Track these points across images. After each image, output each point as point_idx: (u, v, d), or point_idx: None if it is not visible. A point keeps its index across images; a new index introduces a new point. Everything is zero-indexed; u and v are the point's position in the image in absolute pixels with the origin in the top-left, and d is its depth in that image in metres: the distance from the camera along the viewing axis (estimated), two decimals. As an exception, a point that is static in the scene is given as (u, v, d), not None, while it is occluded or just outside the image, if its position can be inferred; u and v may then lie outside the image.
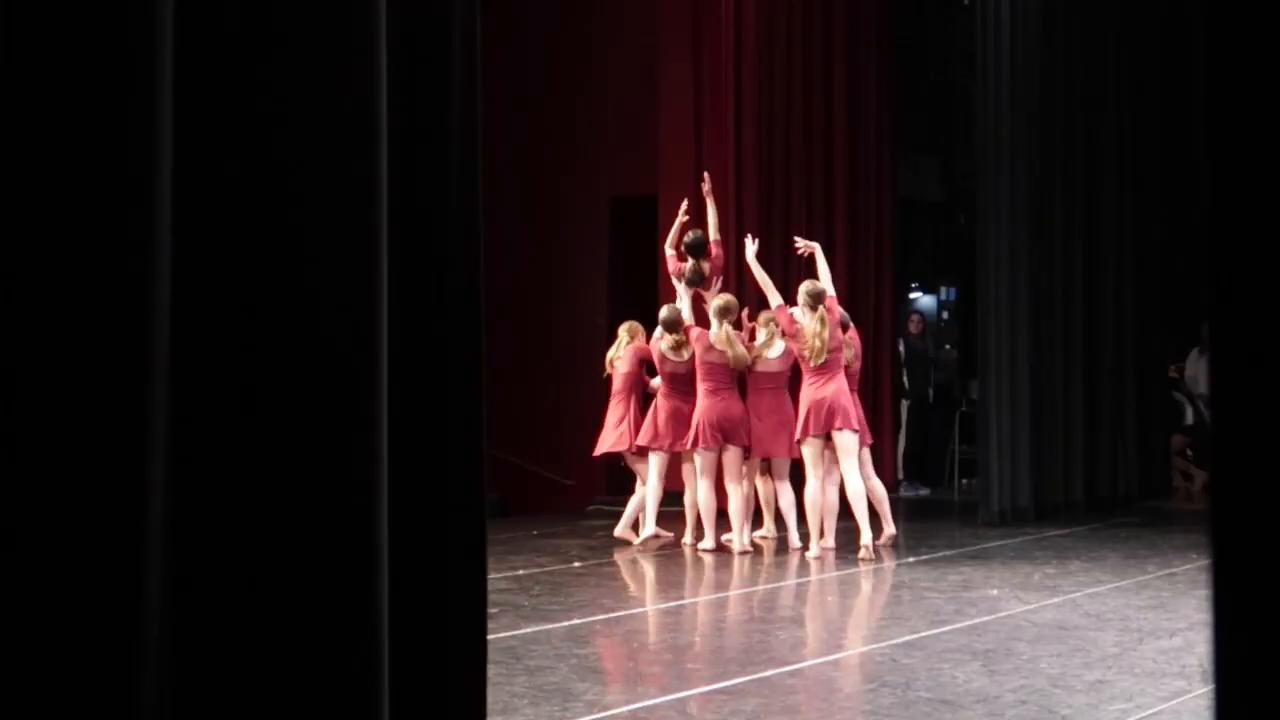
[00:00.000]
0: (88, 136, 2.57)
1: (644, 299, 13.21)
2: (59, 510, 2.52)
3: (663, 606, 8.73)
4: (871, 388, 14.09)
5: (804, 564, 10.08)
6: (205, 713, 2.82)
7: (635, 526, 10.87)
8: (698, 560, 10.29)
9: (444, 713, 3.28)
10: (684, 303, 10.89)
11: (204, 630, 2.82)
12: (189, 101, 2.79)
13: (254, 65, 2.94)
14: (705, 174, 11.60)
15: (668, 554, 10.57)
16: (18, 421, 2.50)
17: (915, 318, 16.11)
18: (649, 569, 9.97)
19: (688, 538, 10.75)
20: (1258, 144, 1.79)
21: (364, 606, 2.98)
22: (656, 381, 10.97)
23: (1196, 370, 15.75)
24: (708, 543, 10.48)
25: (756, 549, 10.63)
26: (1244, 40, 1.79)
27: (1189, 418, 15.69)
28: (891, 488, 14.62)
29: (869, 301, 14.37)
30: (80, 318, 2.55)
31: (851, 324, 10.86)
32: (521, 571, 9.79)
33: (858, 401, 10.48)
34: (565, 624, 8.13)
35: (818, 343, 10.02)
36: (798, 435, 10.14)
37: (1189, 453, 15.78)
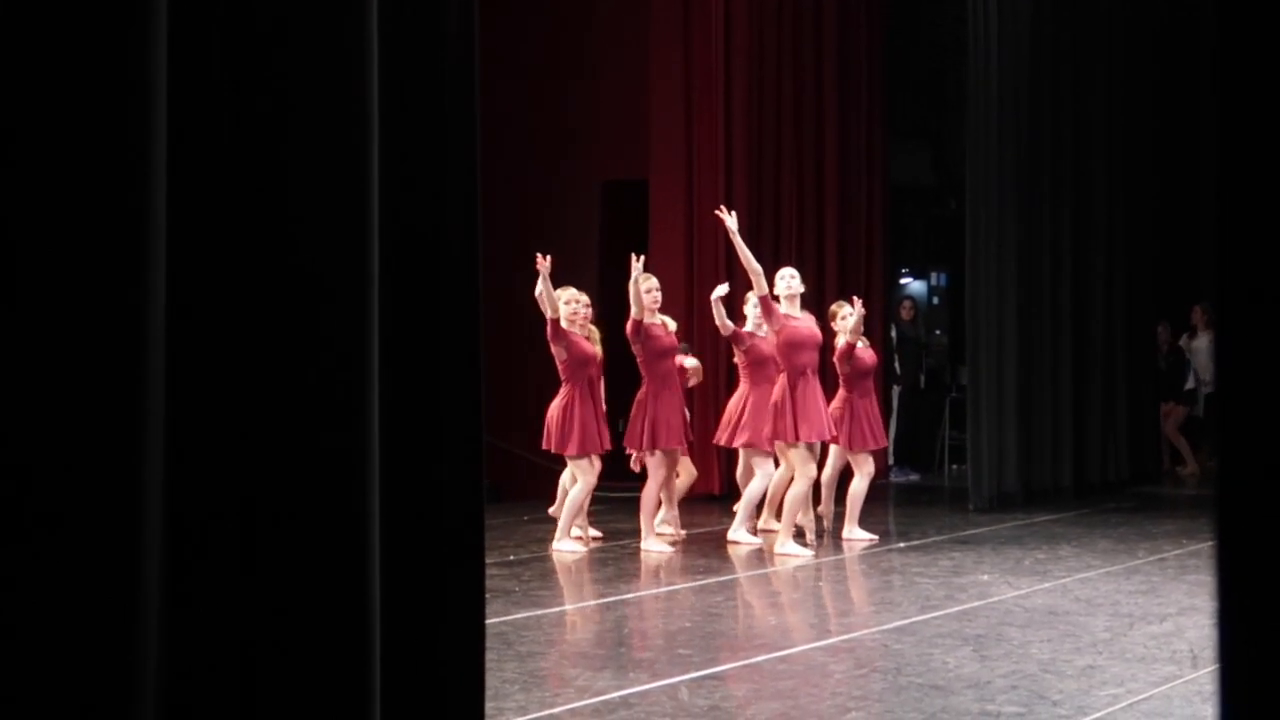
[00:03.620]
0: (81, 137, 2.55)
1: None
2: (55, 507, 2.51)
3: (654, 592, 8.73)
4: (862, 373, 14.09)
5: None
6: (200, 696, 2.82)
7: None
8: (689, 547, 10.29)
9: (442, 698, 3.28)
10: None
11: (200, 615, 2.81)
12: (182, 83, 2.78)
13: (241, 45, 2.93)
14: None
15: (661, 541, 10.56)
16: (14, 417, 2.49)
17: (907, 303, 16.11)
18: (641, 555, 9.97)
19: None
20: (1267, 131, 1.79)
21: (356, 593, 2.98)
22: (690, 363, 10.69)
23: (1189, 352, 15.77)
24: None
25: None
26: (1254, 23, 1.79)
27: (1190, 382, 15.66)
28: (882, 473, 14.64)
29: (860, 287, 14.37)
30: (76, 311, 2.54)
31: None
32: (513, 557, 9.80)
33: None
34: (556, 609, 8.14)
35: None
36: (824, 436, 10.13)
37: (1180, 438, 15.79)
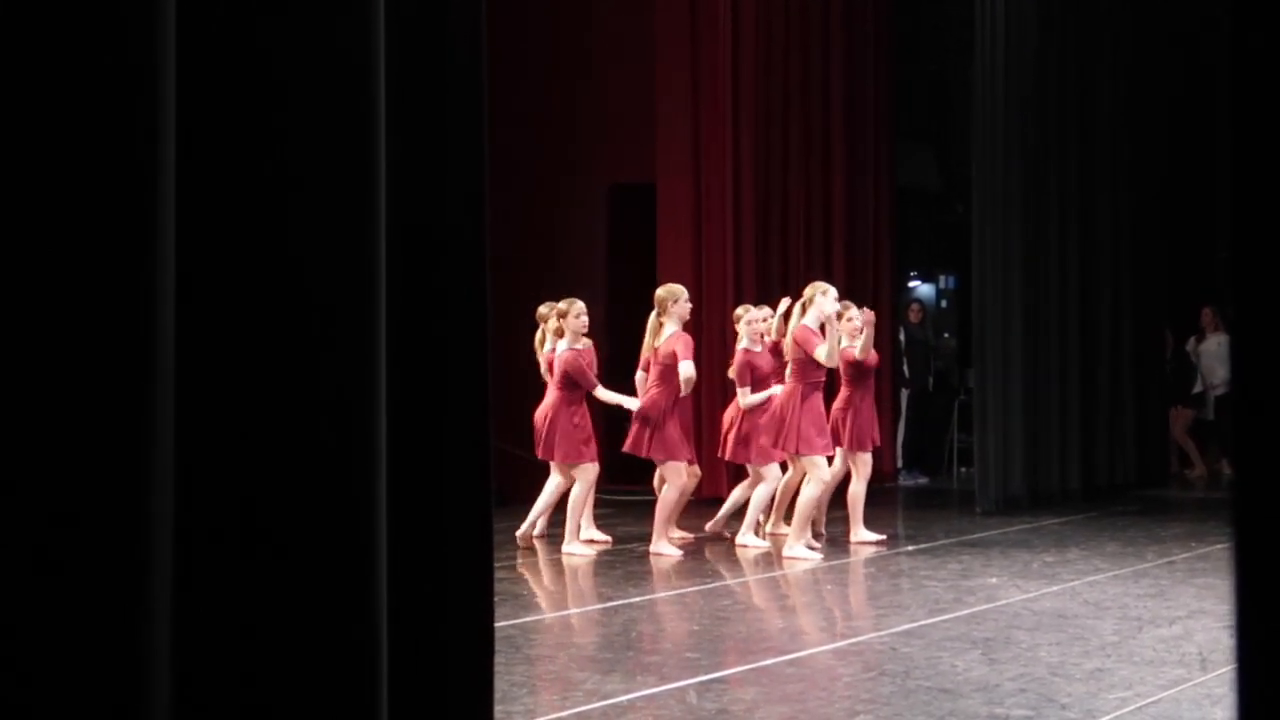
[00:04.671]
0: (91, 135, 2.55)
1: (642, 287, 13.20)
2: (62, 506, 2.51)
3: (662, 595, 8.72)
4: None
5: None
6: (207, 698, 2.82)
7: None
8: (697, 550, 10.28)
9: (450, 701, 3.28)
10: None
11: (205, 618, 2.81)
12: (189, 83, 2.78)
13: (246, 47, 2.93)
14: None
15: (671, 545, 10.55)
16: (22, 421, 2.49)
17: (915, 306, 16.10)
18: (648, 559, 9.96)
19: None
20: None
21: (363, 597, 2.98)
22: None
23: (1197, 355, 15.78)
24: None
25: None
26: (1271, 23, 1.78)
27: (1198, 385, 15.66)
28: (890, 476, 14.63)
29: (868, 290, 14.36)
30: (84, 313, 2.54)
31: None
32: (520, 560, 9.80)
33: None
34: (564, 613, 8.14)
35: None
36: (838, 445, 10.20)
37: (1189, 441, 15.78)
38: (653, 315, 10.21)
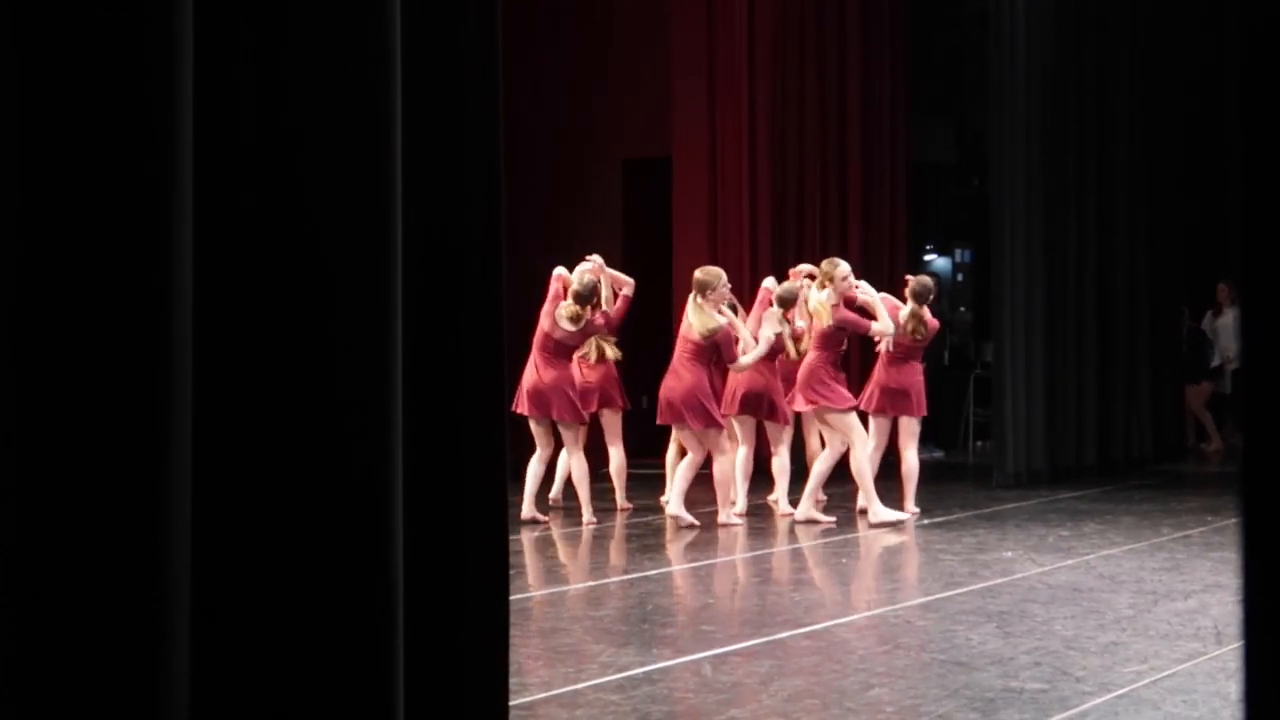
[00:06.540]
0: (107, 139, 2.56)
1: (658, 262, 13.19)
2: (81, 515, 2.52)
3: (677, 569, 8.75)
4: (886, 350, 14.07)
5: (819, 527, 10.07)
6: (222, 676, 2.84)
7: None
8: (710, 524, 10.30)
9: (466, 674, 3.29)
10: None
11: (222, 600, 2.82)
12: (206, 78, 2.78)
13: (265, 31, 2.93)
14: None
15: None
16: (38, 426, 2.51)
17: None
18: (662, 532, 9.99)
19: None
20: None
21: (379, 572, 2.98)
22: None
23: (1213, 330, 15.76)
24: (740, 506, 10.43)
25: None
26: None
27: (1215, 359, 15.65)
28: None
29: (884, 264, 14.34)
30: (101, 321, 2.54)
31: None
32: (535, 534, 9.83)
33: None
34: (579, 586, 8.16)
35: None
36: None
37: (1206, 415, 15.76)
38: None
